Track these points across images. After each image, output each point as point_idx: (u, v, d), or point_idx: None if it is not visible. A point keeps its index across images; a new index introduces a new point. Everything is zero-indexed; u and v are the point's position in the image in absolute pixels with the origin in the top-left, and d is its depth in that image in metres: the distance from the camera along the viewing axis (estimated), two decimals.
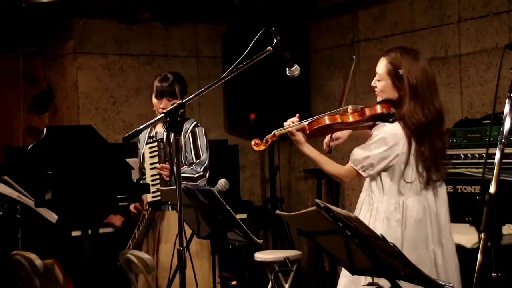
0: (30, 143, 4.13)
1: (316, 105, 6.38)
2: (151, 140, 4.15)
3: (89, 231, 4.23)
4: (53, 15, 5.91)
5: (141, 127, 2.77)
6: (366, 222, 3.11)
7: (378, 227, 3.14)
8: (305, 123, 3.29)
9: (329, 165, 3.30)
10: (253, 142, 3.28)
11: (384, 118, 3.24)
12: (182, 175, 3.94)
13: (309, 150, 3.30)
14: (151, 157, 4.10)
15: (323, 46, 6.51)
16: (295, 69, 3.19)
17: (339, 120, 3.27)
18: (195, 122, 4.21)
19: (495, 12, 5.08)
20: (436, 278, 3.16)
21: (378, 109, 3.25)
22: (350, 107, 3.29)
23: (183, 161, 4.12)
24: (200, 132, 4.17)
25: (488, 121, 4.64)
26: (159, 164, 4.05)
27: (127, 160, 4.46)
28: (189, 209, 3.30)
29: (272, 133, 3.27)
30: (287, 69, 3.18)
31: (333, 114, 3.28)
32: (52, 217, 4.51)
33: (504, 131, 2.35)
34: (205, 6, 6.14)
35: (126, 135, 2.71)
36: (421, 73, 3.19)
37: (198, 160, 4.12)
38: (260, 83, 5.98)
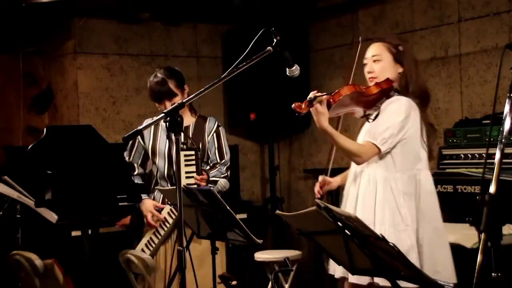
0: (30, 143, 4.12)
1: None
2: (185, 146, 4.05)
3: (89, 231, 4.23)
4: (53, 15, 5.91)
5: (141, 127, 2.76)
6: (388, 202, 3.20)
7: (401, 204, 3.20)
8: (326, 96, 3.23)
9: (348, 142, 3.24)
10: (295, 105, 3.13)
11: (391, 92, 3.31)
12: (213, 179, 4.01)
13: (329, 126, 3.21)
14: (187, 165, 4.02)
15: (323, 46, 6.50)
16: (295, 69, 3.18)
17: (363, 91, 3.27)
18: (217, 122, 4.23)
19: (495, 12, 5.07)
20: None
21: (389, 83, 3.30)
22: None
23: (205, 160, 4.10)
24: (223, 133, 4.21)
25: (488, 121, 4.64)
26: (197, 174, 3.97)
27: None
28: (189, 209, 3.30)
29: (312, 97, 3.19)
30: (287, 69, 3.18)
31: (355, 85, 3.28)
32: (52, 217, 4.50)
33: (504, 131, 2.35)
34: (205, 6, 6.14)
35: (126, 135, 2.71)
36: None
37: (222, 161, 4.14)
38: (260, 83, 5.97)
